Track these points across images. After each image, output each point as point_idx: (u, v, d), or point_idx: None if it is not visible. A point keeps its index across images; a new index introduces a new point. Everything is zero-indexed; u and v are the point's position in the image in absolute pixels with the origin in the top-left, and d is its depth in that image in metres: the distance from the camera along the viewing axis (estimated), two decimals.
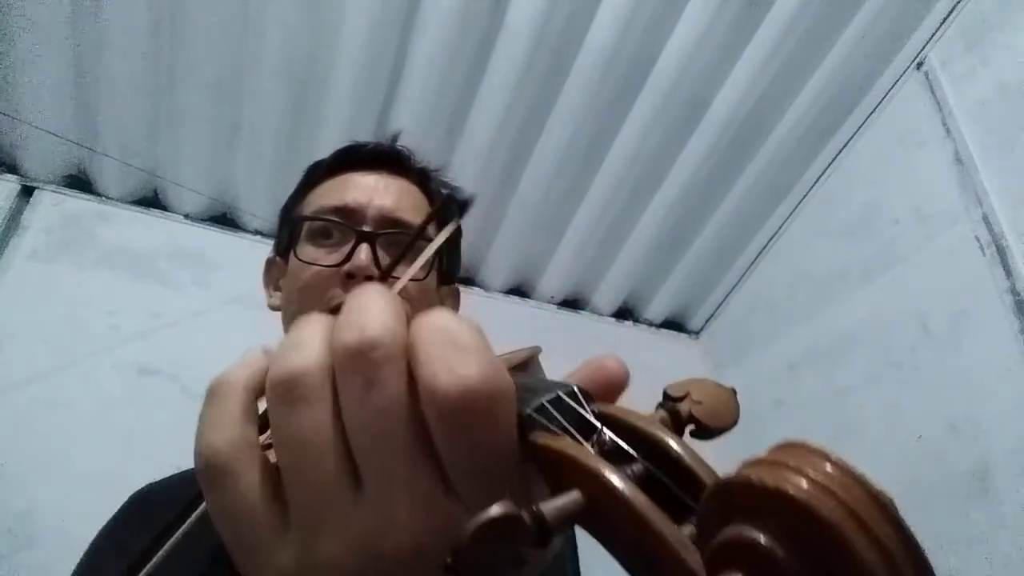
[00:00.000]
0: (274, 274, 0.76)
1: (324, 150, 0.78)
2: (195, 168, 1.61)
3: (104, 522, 0.67)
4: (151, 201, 1.69)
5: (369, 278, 0.62)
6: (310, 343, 0.23)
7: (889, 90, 1.49)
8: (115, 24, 1.37)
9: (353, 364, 0.22)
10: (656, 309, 1.97)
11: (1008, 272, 1.14)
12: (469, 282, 1.85)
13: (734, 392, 0.24)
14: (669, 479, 0.20)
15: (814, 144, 1.62)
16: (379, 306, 0.23)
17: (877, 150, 1.52)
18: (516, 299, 1.92)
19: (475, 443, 0.21)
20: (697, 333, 2.03)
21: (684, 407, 0.23)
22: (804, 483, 0.14)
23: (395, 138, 0.79)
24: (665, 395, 0.24)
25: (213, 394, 0.25)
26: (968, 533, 1.09)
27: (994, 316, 1.14)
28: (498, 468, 0.22)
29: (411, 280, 0.65)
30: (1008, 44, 1.23)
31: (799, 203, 1.71)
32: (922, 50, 1.42)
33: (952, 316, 1.22)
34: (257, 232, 1.73)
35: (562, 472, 0.20)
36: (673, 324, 2.03)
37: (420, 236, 0.68)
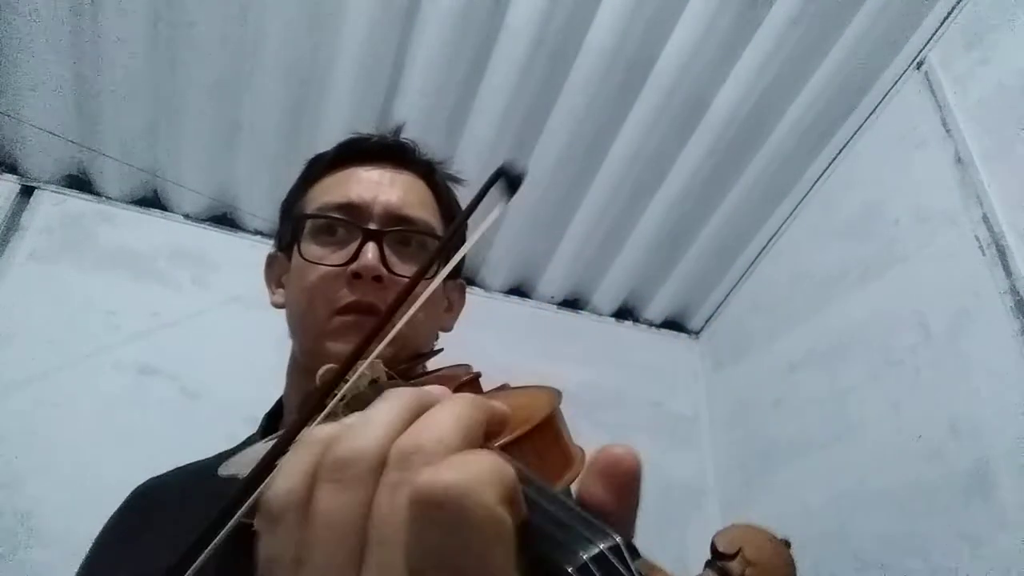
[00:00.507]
0: (276, 270, 0.74)
1: (324, 149, 0.77)
2: (195, 168, 1.61)
3: (104, 521, 0.67)
4: (151, 201, 1.69)
5: (376, 278, 0.61)
6: (375, 431, 0.24)
7: (889, 90, 1.49)
8: (115, 24, 1.37)
9: (398, 460, 0.23)
10: (656, 309, 1.97)
11: (1008, 272, 1.14)
12: (469, 282, 1.84)
13: (788, 545, 0.23)
14: None
15: (814, 144, 1.62)
16: (449, 424, 0.24)
17: (877, 150, 1.52)
18: (516, 299, 1.92)
19: (444, 553, 0.21)
20: (697, 333, 2.03)
21: (736, 568, 0.22)
22: None
23: (399, 130, 0.77)
24: (714, 551, 0.22)
25: (299, 443, 0.26)
26: (968, 533, 1.09)
27: (994, 316, 1.14)
28: None
29: (422, 278, 0.65)
30: (1008, 44, 1.23)
31: (799, 203, 1.71)
32: (922, 50, 1.42)
33: (952, 316, 1.22)
34: (257, 232, 1.73)
35: None
36: (673, 324, 2.03)
37: (428, 234, 0.67)
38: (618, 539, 0.22)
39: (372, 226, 0.64)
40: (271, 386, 0.75)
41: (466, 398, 0.26)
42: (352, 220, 0.65)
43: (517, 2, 1.37)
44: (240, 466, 0.53)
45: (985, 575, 1.05)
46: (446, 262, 0.71)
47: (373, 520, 0.23)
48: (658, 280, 1.92)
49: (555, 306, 1.94)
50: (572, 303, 1.97)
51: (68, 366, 1.43)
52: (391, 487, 0.23)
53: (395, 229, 0.65)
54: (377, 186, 0.68)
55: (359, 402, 0.45)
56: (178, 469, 0.70)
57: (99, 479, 1.01)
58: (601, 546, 0.22)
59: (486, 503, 0.21)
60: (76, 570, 0.64)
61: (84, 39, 1.39)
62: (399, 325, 0.38)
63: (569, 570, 0.21)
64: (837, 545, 1.32)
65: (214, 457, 0.68)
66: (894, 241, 1.39)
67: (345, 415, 0.46)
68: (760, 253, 1.83)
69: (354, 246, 0.63)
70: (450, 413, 0.24)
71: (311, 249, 0.65)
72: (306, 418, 0.35)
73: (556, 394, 0.38)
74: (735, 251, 1.84)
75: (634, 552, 0.22)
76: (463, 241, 0.77)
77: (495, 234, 1.77)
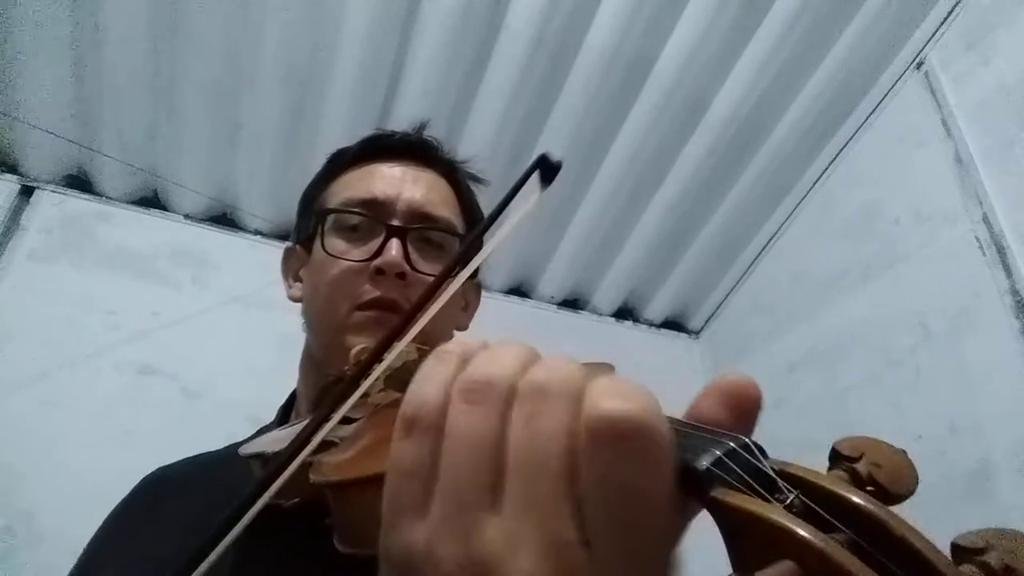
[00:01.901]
0: (294, 264, 0.74)
1: (324, 150, 0.77)
2: (195, 168, 1.61)
3: (103, 521, 0.67)
4: (151, 201, 1.69)
5: (400, 275, 0.61)
6: (508, 361, 0.25)
7: (889, 90, 1.49)
8: (115, 24, 1.37)
9: (532, 391, 0.23)
10: (656, 309, 1.97)
11: (1008, 272, 1.14)
12: None
13: (905, 453, 0.23)
14: (878, 550, 0.19)
15: (814, 144, 1.62)
16: (573, 366, 0.24)
17: (877, 150, 1.52)
18: (516, 299, 1.92)
19: (623, 481, 0.21)
20: (697, 333, 2.03)
21: (862, 468, 0.22)
22: None
23: (422, 128, 0.77)
24: (836, 454, 0.22)
25: (435, 354, 0.27)
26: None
27: (994, 316, 1.14)
28: (644, 522, 0.21)
29: (455, 269, 0.65)
30: (1008, 44, 1.23)
31: (799, 203, 1.71)
32: (922, 50, 1.42)
33: (952, 316, 1.22)
34: (257, 232, 1.73)
35: (756, 535, 0.19)
36: (673, 324, 2.02)
37: (450, 232, 0.67)
38: (749, 439, 0.22)
39: (396, 222, 0.64)
40: (271, 386, 0.75)
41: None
42: (376, 216, 0.65)
43: (517, 2, 1.37)
44: (263, 445, 0.53)
45: None
46: (470, 255, 0.71)
47: (512, 447, 0.23)
48: (658, 280, 1.92)
49: (555, 306, 1.94)
50: (572, 303, 1.97)
51: (68, 366, 1.43)
52: (527, 417, 0.23)
53: (419, 227, 0.65)
54: (401, 183, 0.67)
55: (397, 380, 0.45)
56: (188, 459, 0.70)
57: (99, 479, 1.01)
58: (732, 444, 0.22)
59: (664, 430, 0.21)
60: (78, 559, 0.64)
61: (84, 39, 1.39)
62: (436, 306, 0.38)
63: (704, 466, 0.21)
64: None
65: (223, 449, 0.69)
66: (894, 241, 1.39)
67: (382, 393, 0.46)
68: (760, 253, 1.83)
69: (377, 242, 0.63)
70: (570, 361, 0.25)
71: (334, 243, 0.65)
72: (340, 398, 0.35)
73: (611, 367, 0.39)
74: (735, 251, 1.84)
75: (763, 452, 0.22)
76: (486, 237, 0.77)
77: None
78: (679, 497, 0.22)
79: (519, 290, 1.93)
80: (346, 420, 0.39)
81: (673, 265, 1.88)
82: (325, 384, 0.61)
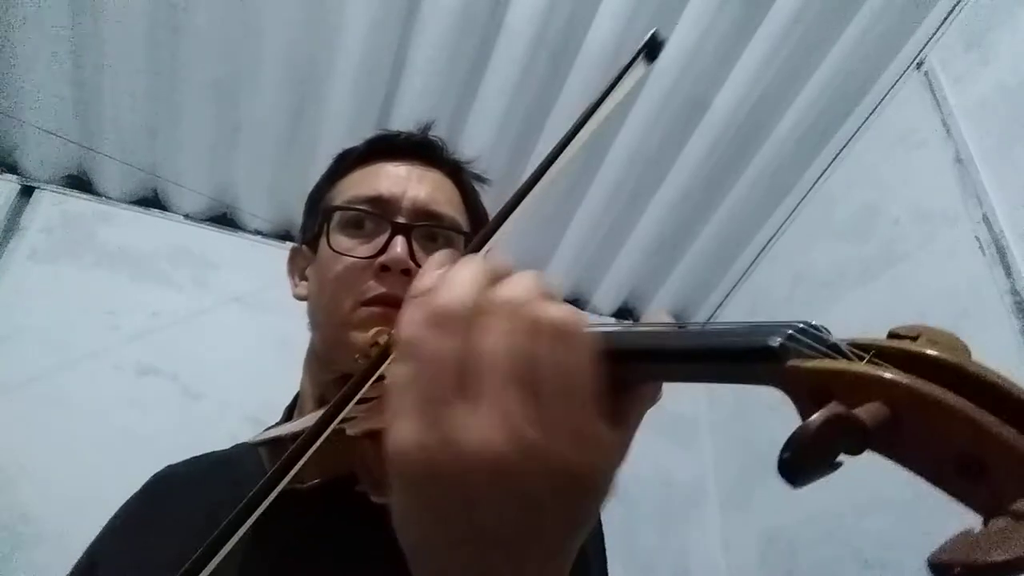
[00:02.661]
0: (300, 263, 0.74)
1: (324, 150, 0.77)
2: (195, 168, 1.61)
3: (104, 522, 0.67)
4: (151, 201, 1.69)
5: (405, 272, 0.62)
6: (467, 283, 0.29)
7: (889, 90, 1.49)
8: (115, 24, 1.37)
9: (499, 308, 0.28)
10: (656, 309, 1.97)
11: (1008, 272, 1.14)
12: None
13: (959, 338, 0.24)
14: (960, 392, 0.19)
15: (814, 144, 1.62)
16: (534, 277, 0.30)
17: (877, 150, 1.52)
18: None
19: (563, 364, 0.27)
20: None
21: (924, 344, 0.23)
22: None
23: (427, 128, 0.78)
24: (895, 336, 0.23)
25: (452, 273, 0.31)
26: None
27: (994, 316, 1.14)
28: (580, 395, 0.27)
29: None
30: (1008, 44, 1.23)
31: (799, 203, 1.71)
32: (922, 50, 1.42)
33: (952, 316, 1.22)
34: (257, 232, 1.73)
35: (839, 393, 0.20)
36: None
37: (455, 230, 0.69)
38: (813, 322, 0.24)
39: (401, 220, 0.65)
40: (271, 386, 0.75)
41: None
42: (381, 213, 0.65)
43: (517, 2, 1.37)
44: (276, 432, 0.54)
45: None
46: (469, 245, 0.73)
47: (480, 351, 0.27)
48: (658, 280, 1.92)
49: None
50: (572, 303, 1.96)
51: (68, 366, 1.43)
52: (496, 325, 0.28)
53: (424, 224, 0.66)
54: (406, 181, 0.68)
55: None
56: (195, 458, 0.71)
57: (99, 479, 1.01)
58: (800, 324, 0.23)
59: (586, 330, 0.28)
60: (82, 554, 0.64)
61: (84, 39, 1.39)
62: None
63: (778, 342, 0.22)
64: (838, 545, 1.32)
65: (231, 448, 0.69)
66: (894, 241, 1.39)
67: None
68: (760, 253, 1.83)
69: (382, 239, 0.63)
70: (535, 277, 0.30)
71: (339, 241, 0.66)
72: (361, 381, 0.37)
73: None
74: (735, 251, 1.84)
75: (827, 331, 0.24)
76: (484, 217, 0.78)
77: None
78: (646, 390, 0.29)
79: None
80: (362, 401, 0.40)
81: (673, 265, 1.88)
82: (328, 386, 0.62)
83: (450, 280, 0.30)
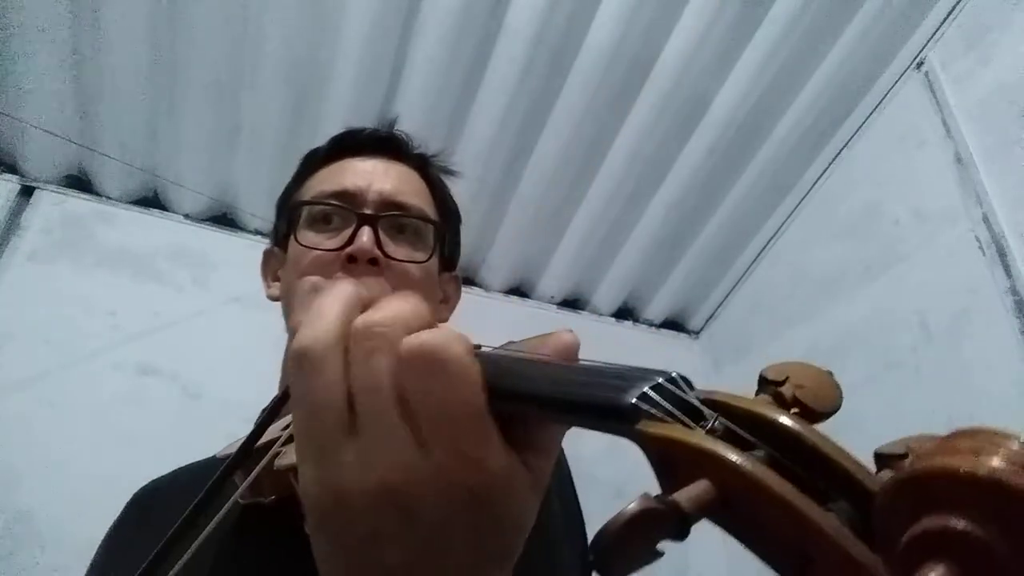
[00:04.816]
0: (272, 265, 0.75)
1: None
2: (195, 168, 1.61)
3: (104, 521, 0.67)
4: (151, 201, 1.69)
5: (372, 261, 0.62)
6: (328, 318, 0.28)
7: (889, 90, 1.49)
8: (115, 24, 1.37)
9: (363, 338, 0.27)
10: (656, 309, 1.97)
11: (1008, 272, 1.14)
12: (469, 282, 1.85)
13: (831, 374, 0.24)
14: (795, 462, 0.19)
15: (814, 144, 1.61)
16: (401, 300, 0.29)
17: (877, 150, 1.52)
18: (516, 299, 1.92)
19: (438, 395, 0.26)
20: (697, 333, 2.03)
21: (787, 391, 0.22)
22: (1001, 463, 0.14)
23: (392, 123, 0.78)
24: (763, 380, 0.23)
25: (315, 308, 0.30)
26: None
27: (994, 316, 1.14)
28: (459, 420, 0.26)
29: (413, 263, 0.65)
30: (1008, 44, 1.23)
31: (799, 203, 1.71)
32: (922, 50, 1.42)
33: (952, 316, 1.22)
34: (257, 232, 1.73)
35: (681, 462, 0.20)
36: (673, 324, 2.02)
37: (422, 218, 0.68)
38: (674, 374, 0.23)
39: (367, 211, 0.65)
40: (271, 386, 0.74)
41: (411, 293, 0.30)
42: (347, 206, 0.66)
43: (517, 2, 1.37)
44: (235, 445, 0.54)
45: None
46: (444, 249, 0.71)
47: (355, 388, 0.27)
48: (658, 280, 1.92)
49: (555, 306, 1.94)
50: (572, 303, 1.97)
51: (68, 366, 1.43)
52: (363, 356, 0.27)
53: (390, 214, 0.66)
54: (371, 175, 0.69)
55: None
56: (178, 470, 0.71)
57: (99, 479, 1.01)
58: (659, 379, 0.23)
59: (463, 354, 0.26)
60: (81, 573, 0.64)
61: (84, 39, 1.39)
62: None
63: (629, 401, 0.22)
64: None
65: (211, 457, 0.69)
66: (894, 241, 1.39)
67: None
68: (760, 253, 1.83)
69: (349, 231, 0.63)
70: (401, 300, 0.29)
71: (307, 236, 0.66)
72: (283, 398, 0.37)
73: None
74: (735, 251, 1.84)
75: (689, 384, 0.23)
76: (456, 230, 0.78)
77: (496, 233, 1.77)
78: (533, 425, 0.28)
79: (519, 290, 1.93)
80: None
81: (673, 265, 1.88)
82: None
83: (311, 317, 0.29)
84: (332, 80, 1.45)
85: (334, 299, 0.29)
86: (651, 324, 2.00)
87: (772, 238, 1.79)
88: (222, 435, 0.71)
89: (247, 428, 0.74)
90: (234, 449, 0.53)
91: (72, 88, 1.46)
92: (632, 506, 0.18)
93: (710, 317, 1.99)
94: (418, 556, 0.26)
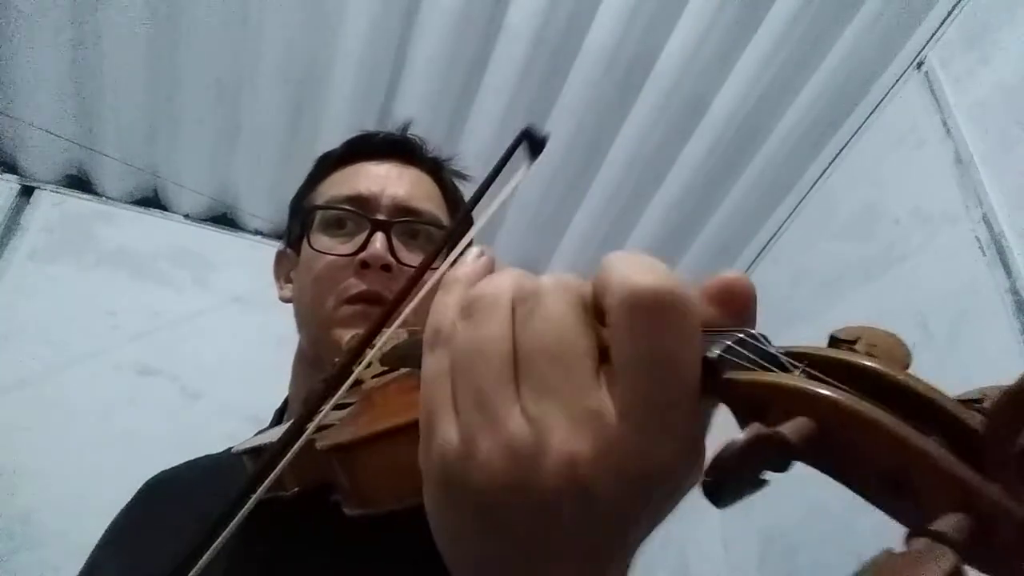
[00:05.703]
0: (285, 266, 0.75)
1: (324, 150, 0.77)
2: (195, 168, 1.61)
3: (104, 521, 0.67)
4: (151, 201, 1.69)
5: (385, 267, 0.62)
6: (502, 279, 0.27)
7: (889, 90, 1.49)
8: (115, 24, 1.37)
9: (528, 293, 0.25)
10: None
11: (1008, 272, 1.14)
12: None
13: (899, 337, 0.24)
14: (885, 401, 0.19)
15: (814, 144, 1.61)
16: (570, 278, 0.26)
17: (877, 150, 1.52)
18: None
19: (664, 351, 0.22)
20: None
21: (860, 348, 0.22)
22: None
23: (406, 127, 0.78)
24: (835, 339, 0.23)
25: (444, 284, 0.29)
26: None
27: (994, 316, 1.14)
28: (682, 392, 0.22)
29: (427, 268, 0.65)
30: (1008, 44, 1.23)
31: (799, 203, 1.71)
32: (922, 50, 1.42)
33: (952, 316, 1.22)
34: (257, 232, 1.73)
35: (772, 406, 0.20)
36: None
37: (435, 225, 0.68)
38: (753, 330, 0.23)
39: (380, 217, 0.65)
40: (271, 386, 0.75)
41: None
42: (360, 211, 0.66)
43: (517, 2, 1.37)
44: (258, 440, 0.53)
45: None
46: (458, 238, 0.71)
47: (520, 337, 0.24)
48: None
49: None
50: None
51: (68, 366, 1.43)
52: (529, 312, 0.24)
53: (403, 220, 0.66)
54: (385, 179, 0.69)
55: (390, 359, 0.46)
56: (190, 462, 0.71)
57: (99, 479, 1.01)
58: (738, 334, 0.23)
59: (695, 298, 0.23)
60: (83, 563, 0.64)
61: (84, 39, 1.39)
62: (422, 291, 0.38)
63: (716, 354, 0.22)
64: (838, 545, 1.32)
65: (224, 451, 0.69)
66: (894, 241, 1.39)
67: (376, 379, 0.47)
68: (760, 253, 1.83)
69: (362, 237, 0.64)
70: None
71: (320, 240, 0.66)
72: (332, 386, 0.36)
73: None
74: (735, 251, 1.84)
75: (767, 340, 0.23)
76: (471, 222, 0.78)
77: (496, 233, 1.77)
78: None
79: None
80: (340, 407, 0.40)
81: (673, 265, 1.87)
82: (315, 386, 0.62)
83: (494, 274, 0.28)
84: (332, 80, 1.45)
85: (510, 272, 0.28)
86: None
87: (772, 238, 1.79)
88: (222, 435, 0.71)
89: (247, 428, 0.74)
90: (256, 442, 0.53)
91: (72, 88, 1.46)
92: (744, 435, 0.18)
93: None
94: (590, 533, 0.23)
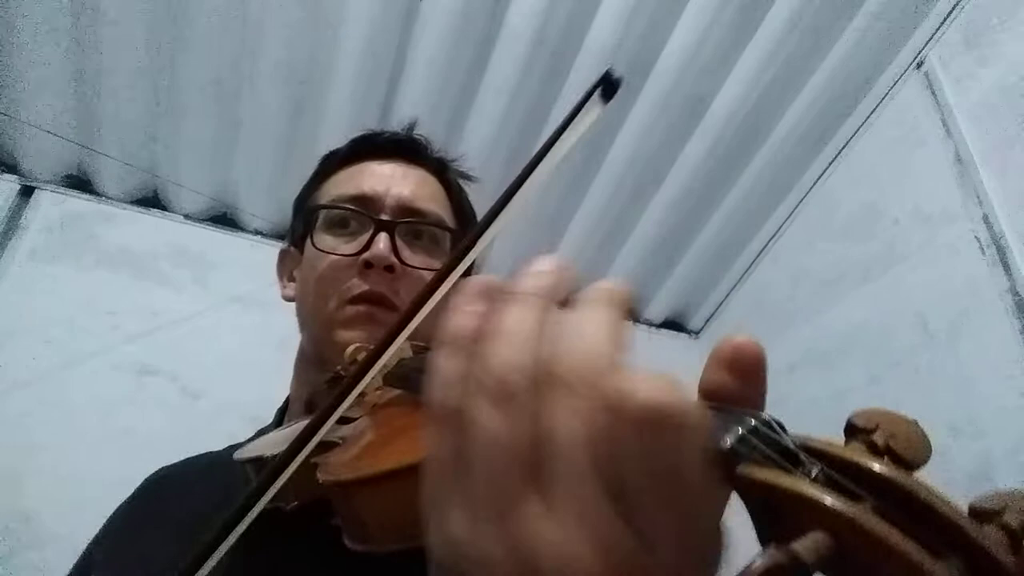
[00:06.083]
0: (288, 264, 0.75)
1: (324, 150, 0.77)
2: (195, 168, 1.61)
3: (104, 521, 0.67)
4: (151, 201, 1.69)
5: (388, 268, 0.62)
6: (523, 345, 0.24)
7: (889, 90, 1.49)
8: (115, 24, 1.37)
9: (554, 380, 0.23)
10: (656, 309, 1.97)
11: (1008, 272, 1.14)
12: None
13: (919, 424, 0.23)
14: (901, 513, 0.19)
15: (814, 144, 1.61)
16: (602, 328, 0.24)
17: (877, 150, 1.52)
18: None
19: (670, 468, 0.21)
20: (697, 333, 2.03)
21: (879, 439, 0.22)
22: None
23: (412, 127, 0.78)
24: (852, 427, 0.23)
25: (449, 342, 0.26)
26: None
27: (994, 316, 1.14)
28: (693, 505, 0.21)
29: (430, 270, 0.64)
30: (1008, 44, 1.23)
31: (799, 203, 1.71)
32: (922, 50, 1.42)
33: (952, 316, 1.22)
34: (257, 232, 1.73)
35: (788, 510, 0.19)
36: (673, 324, 2.02)
37: (440, 226, 0.68)
38: (766, 415, 0.22)
39: (384, 217, 0.65)
40: (271, 386, 0.75)
41: (602, 299, 0.25)
42: (364, 211, 0.65)
43: (517, 2, 1.37)
44: (260, 449, 0.53)
45: None
46: (464, 252, 0.70)
47: (545, 438, 0.22)
48: (658, 280, 1.92)
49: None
50: None
51: (68, 366, 1.43)
52: (563, 396, 0.22)
53: (407, 220, 0.66)
54: (390, 179, 0.68)
55: (394, 377, 0.45)
56: (190, 459, 0.71)
57: (99, 479, 1.01)
58: (752, 421, 0.22)
59: (699, 413, 0.22)
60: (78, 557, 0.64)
61: (84, 39, 1.39)
62: (432, 301, 0.36)
63: (728, 444, 0.21)
64: None
65: (225, 449, 0.69)
66: (894, 241, 1.39)
67: (379, 391, 0.46)
68: (760, 253, 1.83)
69: (366, 237, 0.63)
70: (596, 320, 0.24)
71: (324, 239, 0.66)
72: (338, 398, 0.35)
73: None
74: (735, 251, 1.84)
75: (782, 427, 0.22)
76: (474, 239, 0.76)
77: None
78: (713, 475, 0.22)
79: None
80: (344, 420, 0.39)
81: (673, 265, 1.88)
82: (319, 387, 0.61)
83: (504, 332, 0.24)
84: (332, 80, 1.45)
85: (526, 309, 0.25)
86: (651, 324, 2.00)
87: (772, 238, 1.79)
88: (222, 435, 0.71)
89: (247, 428, 0.74)
90: (258, 451, 0.52)
91: (72, 88, 1.46)
92: (760, 562, 0.18)
93: (710, 317, 1.99)
94: None
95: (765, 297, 1.80)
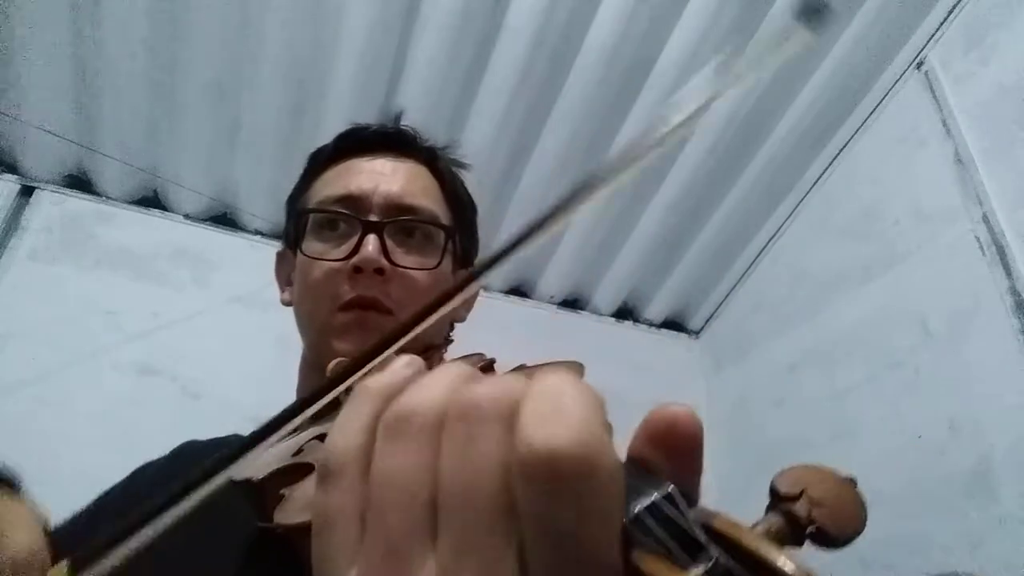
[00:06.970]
0: (285, 268, 0.73)
1: None
2: (195, 168, 1.61)
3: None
4: (151, 201, 1.69)
5: (378, 271, 0.60)
6: (435, 386, 0.22)
7: (889, 90, 1.49)
8: (115, 24, 1.37)
9: (460, 415, 0.21)
10: (656, 309, 1.97)
11: (1008, 272, 1.14)
12: None
13: (855, 483, 0.21)
14: None
15: (814, 144, 1.61)
16: (513, 382, 0.21)
17: (877, 150, 1.52)
18: (516, 299, 1.92)
19: (563, 527, 0.18)
20: (697, 333, 2.03)
21: (802, 510, 0.20)
22: None
23: (398, 118, 0.76)
24: (775, 493, 0.20)
25: (353, 396, 0.25)
26: (968, 533, 1.09)
27: (994, 316, 1.14)
28: (591, 566, 0.18)
29: (422, 269, 0.63)
30: (1008, 44, 1.23)
31: (799, 203, 1.71)
32: (922, 50, 1.42)
33: (952, 316, 1.22)
34: (257, 232, 1.73)
35: None
36: (673, 324, 2.02)
37: (431, 223, 0.66)
38: (670, 488, 0.20)
39: (372, 218, 0.63)
40: (271, 386, 0.75)
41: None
42: (352, 213, 0.64)
43: (517, 2, 1.37)
44: (255, 469, 0.52)
45: (986, 574, 1.05)
46: (457, 247, 0.69)
47: (443, 482, 0.20)
48: (658, 280, 1.92)
49: (555, 306, 1.94)
50: (572, 303, 1.97)
51: (68, 366, 1.43)
52: (455, 446, 0.20)
53: (396, 219, 0.64)
54: (378, 176, 0.66)
55: None
56: (219, 439, 0.69)
57: (99, 479, 1.01)
58: (655, 494, 0.19)
59: (609, 464, 0.18)
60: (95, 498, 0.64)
61: (84, 39, 1.39)
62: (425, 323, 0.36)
63: (622, 521, 0.19)
64: None
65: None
66: (894, 241, 1.39)
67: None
68: (760, 253, 1.83)
69: (355, 239, 0.62)
70: (510, 376, 0.22)
71: (312, 245, 0.64)
72: (305, 406, 0.34)
73: (579, 367, 0.37)
74: (735, 251, 1.84)
75: (692, 500, 0.20)
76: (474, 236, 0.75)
77: (495, 235, 1.77)
78: None
79: (519, 290, 1.93)
80: (322, 437, 0.38)
81: (673, 265, 1.88)
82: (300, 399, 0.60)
83: (425, 377, 0.23)
84: (332, 80, 1.45)
85: (445, 372, 0.23)
86: (651, 324, 2.00)
87: (772, 238, 1.79)
88: (222, 435, 0.71)
89: (247, 428, 0.74)
90: (251, 475, 0.51)
91: (72, 88, 1.46)
92: None
93: (710, 317, 1.99)
94: None
95: (765, 297, 1.80)
